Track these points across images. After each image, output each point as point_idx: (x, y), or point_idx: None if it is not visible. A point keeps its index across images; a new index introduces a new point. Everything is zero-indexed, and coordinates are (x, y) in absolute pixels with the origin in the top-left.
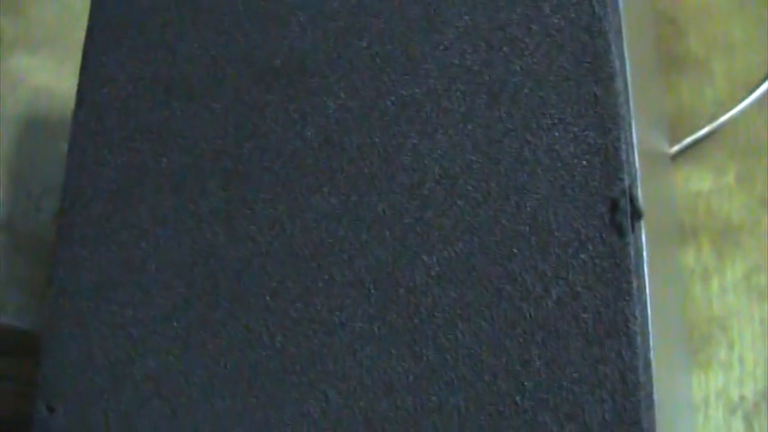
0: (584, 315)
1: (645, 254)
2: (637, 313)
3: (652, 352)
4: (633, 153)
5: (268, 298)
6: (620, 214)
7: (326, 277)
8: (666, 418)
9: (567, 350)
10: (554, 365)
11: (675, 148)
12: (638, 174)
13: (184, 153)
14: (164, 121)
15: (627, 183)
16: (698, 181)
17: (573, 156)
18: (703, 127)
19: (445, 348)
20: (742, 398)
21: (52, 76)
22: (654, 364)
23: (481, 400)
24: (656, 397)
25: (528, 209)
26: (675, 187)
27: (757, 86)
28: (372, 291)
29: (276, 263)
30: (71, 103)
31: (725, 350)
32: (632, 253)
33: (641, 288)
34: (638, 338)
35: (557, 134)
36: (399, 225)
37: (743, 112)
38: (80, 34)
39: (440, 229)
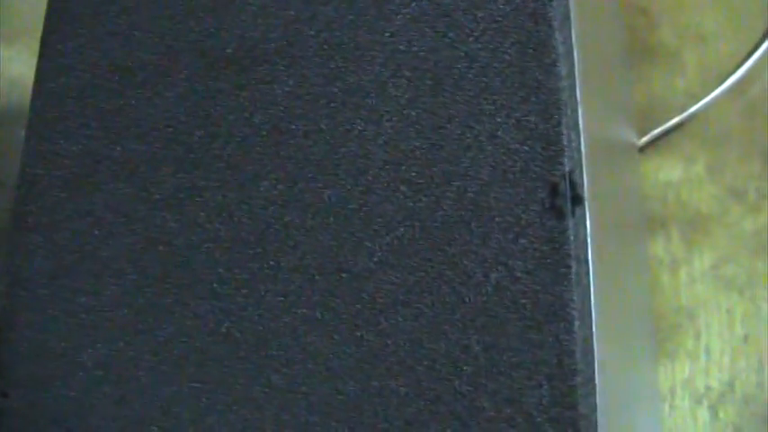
0: (523, 300)
1: (589, 240)
2: (575, 297)
3: (594, 338)
4: (578, 139)
5: (215, 284)
6: (560, 198)
7: (272, 263)
8: (617, 404)
9: (506, 335)
10: (493, 350)
11: (645, 138)
12: (584, 160)
13: (138, 141)
14: (118, 108)
15: (567, 168)
16: (668, 171)
17: (515, 141)
18: (674, 117)
19: (386, 333)
20: (708, 388)
21: (27, 67)
22: (596, 350)
23: (420, 384)
24: (598, 382)
25: (470, 194)
26: (645, 178)
27: (728, 77)
28: (316, 277)
29: (224, 249)
30: None
31: (692, 340)
32: (572, 237)
33: (581, 273)
34: (576, 323)
35: (499, 120)
36: (344, 211)
37: (713, 102)
38: None
39: (383, 214)
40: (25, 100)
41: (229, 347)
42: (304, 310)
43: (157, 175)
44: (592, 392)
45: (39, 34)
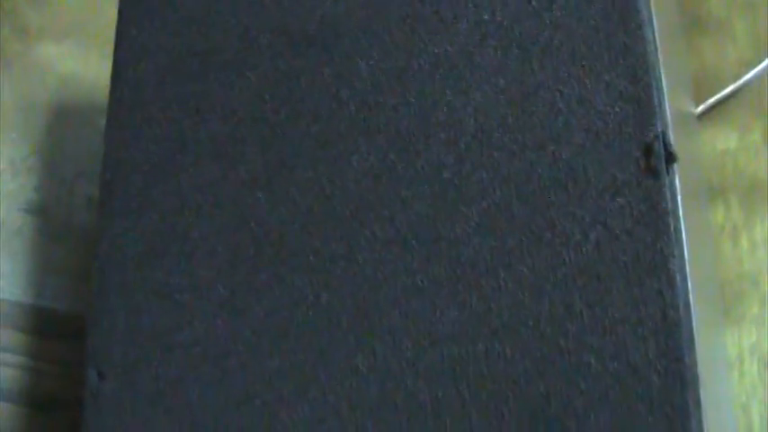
0: (624, 257)
1: (679, 198)
2: (675, 252)
3: (691, 293)
4: (664, 100)
5: (312, 258)
6: (655, 158)
7: (369, 234)
8: (707, 363)
9: (609, 292)
10: (596, 308)
11: (701, 108)
12: (670, 120)
13: (222, 122)
14: (200, 92)
15: (659, 128)
16: (724, 140)
17: (606, 104)
18: (727, 86)
19: (488, 297)
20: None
21: (78, 64)
22: (693, 306)
23: (526, 345)
24: (696, 337)
25: (564, 157)
26: (702, 147)
27: None
28: (414, 245)
29: (318, 223)
30: (98, 90)
31: (757, 306)
32: (668, 195)
33: (678, 229)
34: (678, 277)
35: (589, 84)
36: (438, 180)
37: (766, 70)
38: (104, 21)
39: (478, 181)
40: (78, 95)
41: (329, 320)
42: (404, 279)
43: (245, 154)
44: (693, 345)
45: (87, 31)
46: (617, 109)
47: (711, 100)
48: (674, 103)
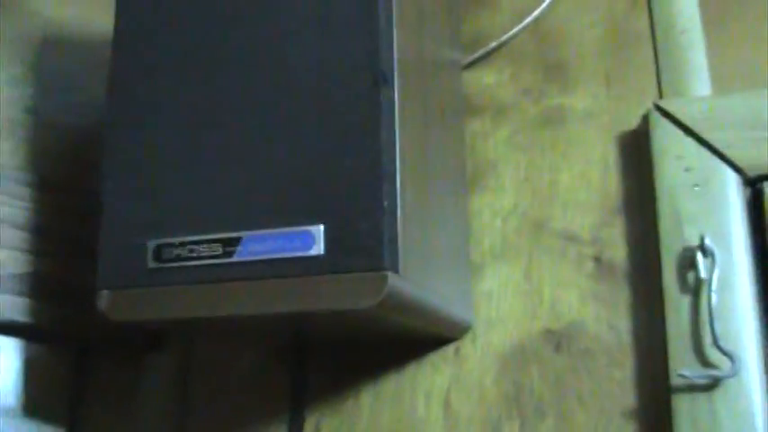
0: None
1: (396, 107)
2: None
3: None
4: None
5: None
6: (375, 81)
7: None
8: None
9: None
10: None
11: (471, 57)
12: (395, 63)
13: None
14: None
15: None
16: (486, 78)
17: (350, 54)
18: (491, 43)
19: (269, 154)
20: (501, 207)
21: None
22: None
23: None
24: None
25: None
26: (471, 84)
27: (527, 15)
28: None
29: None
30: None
31: (493, 180)
32: (382, 101)
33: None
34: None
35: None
36: (251, 80)
37: (517, 33)
38: None
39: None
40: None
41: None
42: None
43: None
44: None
45: None
46: (359, 58)
47: (478, 53)
48: (419, 54)
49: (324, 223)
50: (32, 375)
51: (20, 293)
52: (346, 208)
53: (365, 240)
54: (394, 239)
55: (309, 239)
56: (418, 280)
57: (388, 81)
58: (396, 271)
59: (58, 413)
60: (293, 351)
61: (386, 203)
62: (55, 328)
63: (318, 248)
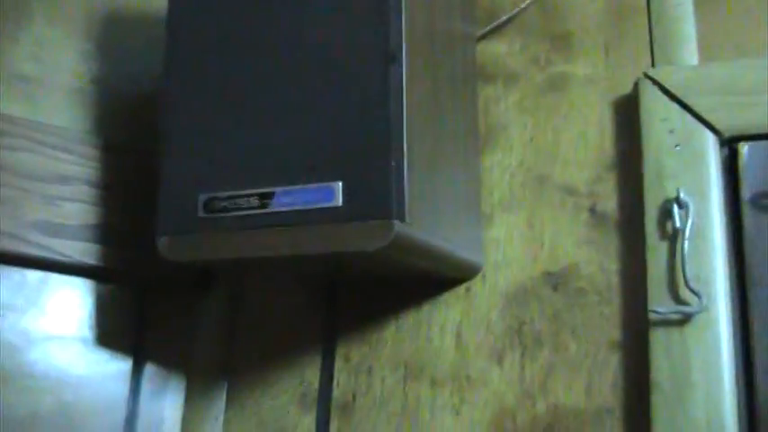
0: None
1: (404, 82)
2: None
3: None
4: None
5: (264, 86)
6: (390, 59)
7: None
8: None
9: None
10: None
11: (485, 29)
12: (404, 43)
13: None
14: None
15: (393, 48)
16: (498, 48)
17: (366, 37)
18: (503, 17)
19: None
20: (510, 164)
21: None
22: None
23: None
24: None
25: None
26: (484, 53)
27: None
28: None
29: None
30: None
31: (503, 140)
32: (394, 74)
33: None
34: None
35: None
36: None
37: (525, 8)
38: None
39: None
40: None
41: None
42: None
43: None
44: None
45: None
46: (372, 40)
47: (491, 25)
48: (433, 26)
49: (342, 180)
50: (102, 311)
51: (89, 240)
52: (361, 167)
53: (376, 194)
54: (401, 192)
55: (330, 193)
56: (426, 227)
57: (396, 59)
58: (402, 219)
59: (124, 343)
60: (325, 293)
61: (393, 163)
62: (120, 269)
63: (337, 201)
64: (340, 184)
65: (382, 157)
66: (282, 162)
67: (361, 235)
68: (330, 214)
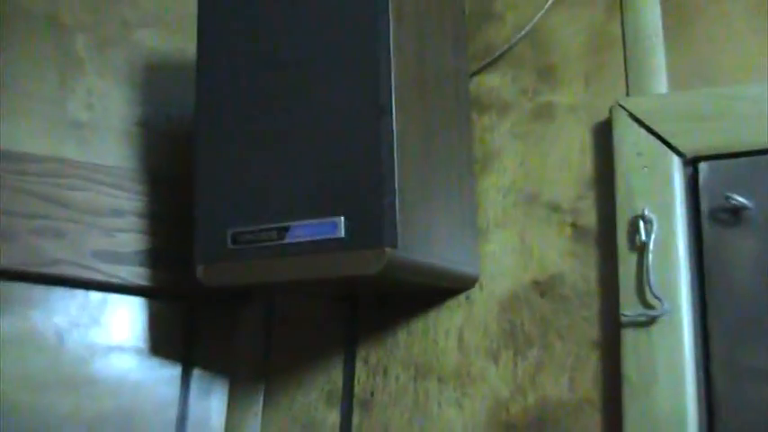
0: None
1: (395, 131)
2: (384, 155)
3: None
4: (392, 88)
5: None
6: (380, 111)
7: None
8: (416, 193)
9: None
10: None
11: (479, 65)
12: (393, 91)
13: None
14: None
15: (383, 102)
16: (492, 81)
17: (360, 89)
18: (496, 53)
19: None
20: (503, 186)
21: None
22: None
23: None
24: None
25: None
26: (480, 85)
27: (526, 26)
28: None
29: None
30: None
31: (497, 163)
32: (385, 126)
33: (391, 138)
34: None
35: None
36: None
37: (517, 43)
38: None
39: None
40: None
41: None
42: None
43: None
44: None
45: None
46: (365, 94)
47: (485, 61)
48: (426, 73)
49: (344, 215)
50: (154, 324)
51: (141, 264)
52: (359, 204)
53: (372, 226)
54: (393, 224)
55: (334, 227)
56: (419, 250)
57: (386, 111)
58: (395, 246)
59: (174, 352)
60: (347, 306)
61: (385, 201)
62: (168, 288)
63: (341, 233)
64: (342, 218)
65: (376, 197)
66: (295, 201)
67: (361, 261)
68: (335, 244)
